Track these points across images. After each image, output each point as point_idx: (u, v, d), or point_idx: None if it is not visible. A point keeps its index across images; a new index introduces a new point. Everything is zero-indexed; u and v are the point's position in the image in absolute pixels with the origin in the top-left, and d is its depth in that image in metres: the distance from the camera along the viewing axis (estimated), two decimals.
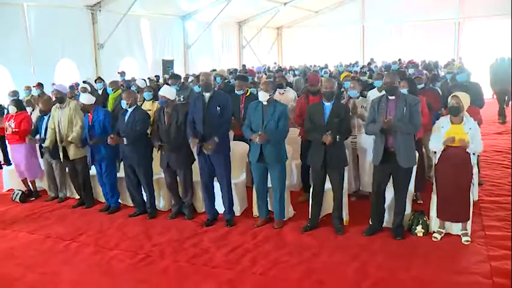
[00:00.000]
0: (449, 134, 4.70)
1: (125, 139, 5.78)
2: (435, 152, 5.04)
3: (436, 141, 4.84)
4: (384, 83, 5.04)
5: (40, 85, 10.11)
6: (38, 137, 6.85)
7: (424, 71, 9.35)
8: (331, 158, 5.10)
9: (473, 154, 4.89)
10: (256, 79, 10.92)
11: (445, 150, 4.77)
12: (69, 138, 6.38)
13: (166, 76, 12.68)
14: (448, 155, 4.75)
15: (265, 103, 5.31)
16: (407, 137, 4.84)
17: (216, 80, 8.57)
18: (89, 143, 6.17)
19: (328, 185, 5.33)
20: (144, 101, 7.38)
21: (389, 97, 4.93)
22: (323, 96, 5.26)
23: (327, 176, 5.29)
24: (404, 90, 5.67)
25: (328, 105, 5.19)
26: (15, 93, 9.13)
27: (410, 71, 10.09)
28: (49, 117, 6.72)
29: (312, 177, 5.43)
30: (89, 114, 6.23)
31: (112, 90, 9.02)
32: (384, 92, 5.16)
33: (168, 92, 5.78)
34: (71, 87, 10.02)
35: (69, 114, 6.46)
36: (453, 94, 4.83)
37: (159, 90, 6.02)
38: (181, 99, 7.61)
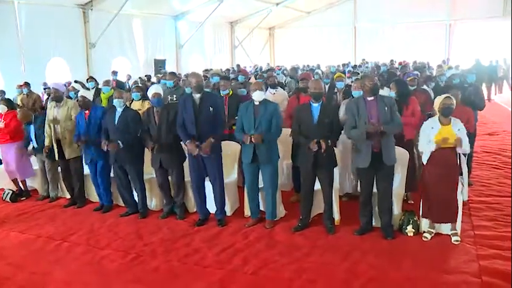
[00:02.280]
0: (441, 135, 4.72)
1: (120, 143, 5.75)
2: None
3: (426, 143, 4.86)
4: (366, 84, 4.91)
5: (27, 84, 10.03)
6: (30, 146, 6.88)
7: (415, 72, 9.41)
8: (320, 159, 5.10)
9: (464, 155, 4.92)
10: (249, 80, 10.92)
11: (434, 151, 4.78)
12: (59, 128, 6.37)
13: (159, 75, 12.67)
14: (437, 157, 4.76)
15: (257, 103, 5.31)
16: (389, 136, 4.88)
17: (213, 79, 8.59)
18: (80, 140, 6.08)
19: (317, 185, 5.34)
20: (133, 101, 7.36)
21: (368, 98, 4.93)
22: (311, 97, 5.21)
23: (317, 177, 5.30)
24: (392, 93, 5.71)
25: (316, 106, 5.15)
26: (0, 92, 9.11)
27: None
28: (35, 124, 6.72)
29: (302, 178, 5.44)
30: (86, 111, 6.19)
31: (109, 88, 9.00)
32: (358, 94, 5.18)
33: (159, 89, 5.84)
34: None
35: (66, 114, 6.40)
36: (447, 95, 4.84)
37: (147, 89, 6.02)
38: (174, 99, 7.60)
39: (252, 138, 5.14)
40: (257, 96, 5.29)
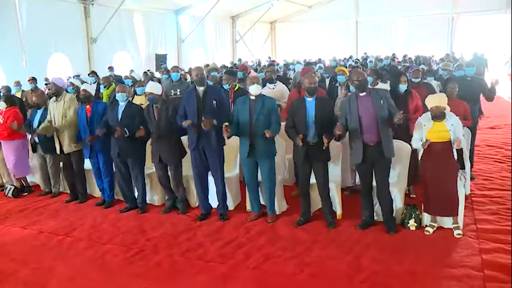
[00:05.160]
0: (432, 132, 4.73)
1: (126, 130, 5.71)
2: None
3: (416, 141, 4.90)
4: (354, 80, 4.94)
5: (34, 79, 10.05)
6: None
7: (421, 66, 9.41)
8: (314, 152, 5.08)
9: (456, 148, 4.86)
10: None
11: (429, 146, 4.76)
12: (56, 125, 6.31)
13: (162, 70, 12.65)
14: (431, 150, 4.77)
15: (253, 98, 5.27)
16: (387, 129, 4.85)
17: (211, 73, 8.56)
18: (87, 140, 6.04)
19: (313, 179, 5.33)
20: (134, 95, 7.36)
21: (360, 94, 4.91)
22: (306, 91, 5.15)
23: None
24: (404, 86, 5.70)
25: (310, 100, 5.09)
26: (7, 88, 9.09)
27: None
28: (43, 110, 6.68)
29: (297, 172, 5.43)
30: (88, 106, 6.18)
31: (104, 87, 8.98)
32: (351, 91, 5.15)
33: (154, 88, 5.75)
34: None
35: (63, 108, 6.37)
36: (439, 97, 4.83)
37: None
38: (178, 93, 7.56)
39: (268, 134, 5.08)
40: (253, 90, 5.25)
